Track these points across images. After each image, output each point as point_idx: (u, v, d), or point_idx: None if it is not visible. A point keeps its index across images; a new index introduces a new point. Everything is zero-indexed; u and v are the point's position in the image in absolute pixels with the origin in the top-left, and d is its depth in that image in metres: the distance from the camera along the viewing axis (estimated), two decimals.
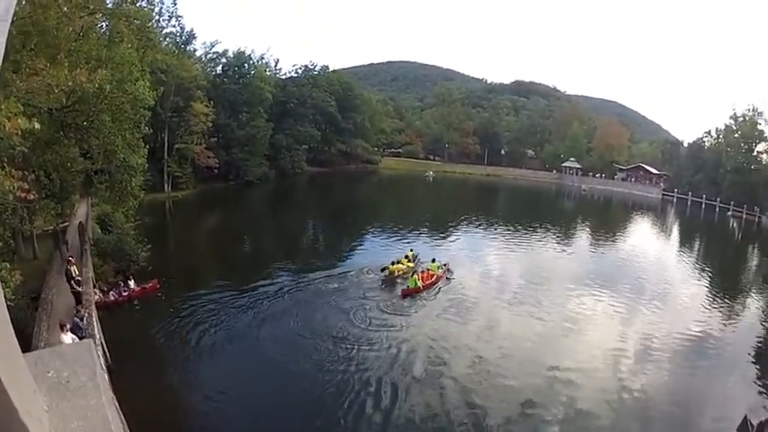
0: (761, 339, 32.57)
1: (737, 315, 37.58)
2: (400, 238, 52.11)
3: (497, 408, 20.50)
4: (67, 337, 17.69)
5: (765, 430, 17.68)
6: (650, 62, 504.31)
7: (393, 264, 36.95)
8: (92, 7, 24.09)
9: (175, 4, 55.87)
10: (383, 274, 36.16)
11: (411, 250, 41.57)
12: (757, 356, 29.18)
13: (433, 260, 39.06)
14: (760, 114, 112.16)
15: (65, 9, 21.57)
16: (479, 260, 44.94)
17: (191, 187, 76.92)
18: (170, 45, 73.36)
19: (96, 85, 22.24)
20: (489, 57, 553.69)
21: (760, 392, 24.06)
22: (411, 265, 38.12)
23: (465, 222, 67.09)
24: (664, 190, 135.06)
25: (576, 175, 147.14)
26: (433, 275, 36.38)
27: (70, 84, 21.00)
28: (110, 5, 28.00)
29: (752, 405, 21.85)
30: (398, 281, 35.66)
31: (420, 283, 34.20)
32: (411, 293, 33.34)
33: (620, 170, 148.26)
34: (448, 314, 30.68)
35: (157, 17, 54.10)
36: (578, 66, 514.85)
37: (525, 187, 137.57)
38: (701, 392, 23.64)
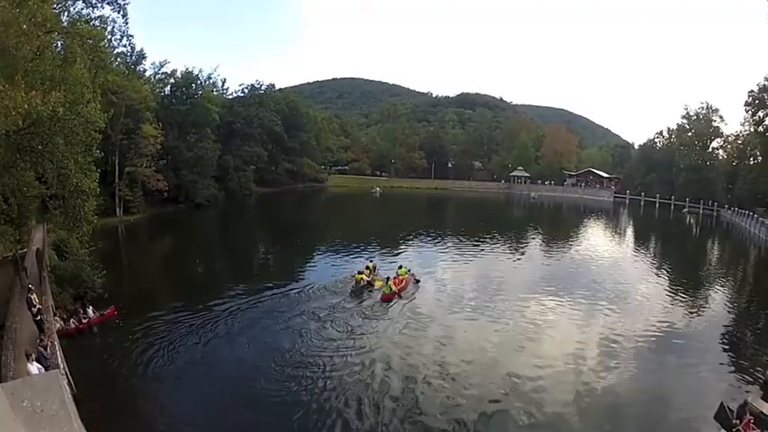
0: (728, 327, 33.71)
1: (703, 306, 38.78)
2: (350, 254, 51.91)
3: (465, 418, 20.31)
4: (34, 367, 17.32)
5: (745, 414, 18.16)
6: (597, 68, 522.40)
7: (359, 273, 38.57)
8: (49, 26, 23.56)
9: (127, 24, 55.07)
10: (353, 283, 37.75)
11: (371, 261, 42.93)
12: (727, 344, 30.16)
13: (400, 266, 41.35)
14: (714, 111, 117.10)
15: (24, 27, 21.01)
16: (432, 273, 44.49)
17: (141, 211, 75.04)
18: (121, 65, 71.99)
19: (50, 108, 21.78)
20: (434, 70, 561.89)
21: (733, 379, 24.63)
22: (374, 277, 39.26)
23: (414, 236, 66.98)
24: (615, 192, 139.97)
25: (525, 183, 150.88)
26: (402, 280, 38.41)
27: (26, 106, 20.48)
28: (64, 24, 27.46)
29: (727, 392, 22.35)
30: (367, 290, 37.27)
31: (395, 288, 36.30)
32: (389, 298, 35.26)
33: (570, 176, 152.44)
34: (406, 328, 30.24)
35: (109, 36, 53.04)
36: (524, 75, 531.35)
37: (474, 198, 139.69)
38: (672, 386, 23.75)
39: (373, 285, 37.86)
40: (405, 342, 28.12)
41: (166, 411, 20.82)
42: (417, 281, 40.22)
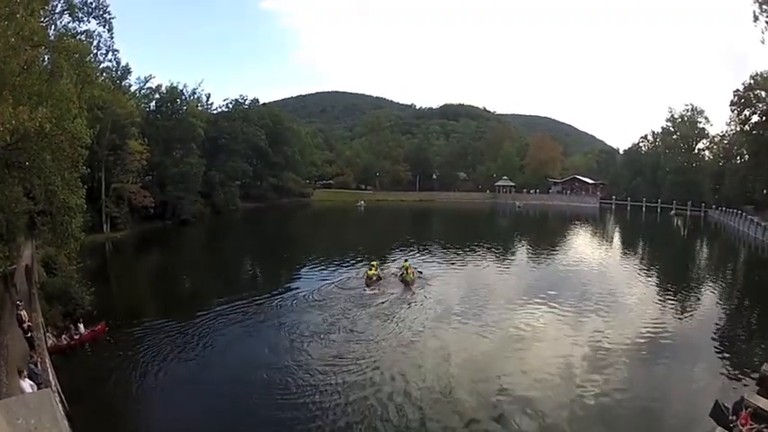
0: (721, 325, 34.06)
1: (695, 306, 39.17)
2: (336, 267, 51.78)
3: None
4: (26, 384, 17.29)
5: (741, 410, 18.19)
6: (579, 75, 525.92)
7: (370, 269, 44.38)
8: (36, 39, 23.42)
9: (112, 38, 54.74)
10: (365, 279, 43.39)
11: (376, 261, 47.14)
12: (720, 341, 30.42)
13: (406, 260, 47.66)
14: (700, 113, 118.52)
15: (12, 41, 20.86)
16: (421, 283, 43.71)
17: (128, 228, 74.44)
18: (106, 80, 71.28)
19: (37, 123, 21.64)
20: (418, 82, 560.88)
21: (727, 377, 24.81)
22: (378, 272, 44.52)
23: (400, 248, 66.05)
24: (601, 198, 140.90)
25: (510, 192, 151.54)
26: (412, 271, 44.57)
27: (13, 122, 20.32)
28: (51, 38, 27.33)
29: (721, 390, 22.34)
30: (377, 283, 42.65)
31: (413, 276, 43.20)
32: (411, 285, 41.86)
33: (555, 183, 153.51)
34: (397, 339, 30.01)
35: (95, 51, 52.74)
36: (507, 85, 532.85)
37: (459, 209, 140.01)
38: (666, 386, 23.81)
39: (381, 279, 43.60)
40: (397, 354, 27.75)
41: (158, 428, 20.85)
42: (420, 272, 46.21)
